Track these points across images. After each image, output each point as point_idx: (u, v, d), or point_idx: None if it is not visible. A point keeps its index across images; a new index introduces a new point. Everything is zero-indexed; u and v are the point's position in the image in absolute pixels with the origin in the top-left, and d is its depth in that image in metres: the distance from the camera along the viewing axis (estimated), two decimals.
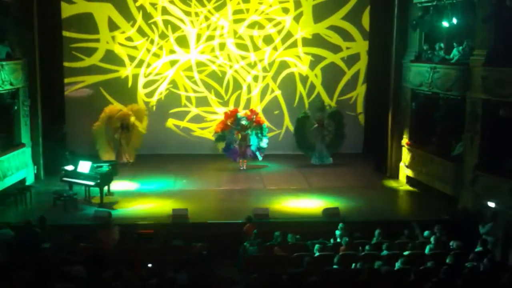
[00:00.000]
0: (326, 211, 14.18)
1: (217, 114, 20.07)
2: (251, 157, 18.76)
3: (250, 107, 19.87)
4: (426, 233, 12.43)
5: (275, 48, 20.26)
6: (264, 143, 18.82)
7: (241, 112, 18.89)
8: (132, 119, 18.61)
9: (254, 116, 18.69)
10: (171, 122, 20.10)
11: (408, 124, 17.55)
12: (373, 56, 19.55)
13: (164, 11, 19.69)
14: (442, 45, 16.21)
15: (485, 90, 13.83)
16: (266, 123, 19.11)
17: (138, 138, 18.90)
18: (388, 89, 18.13)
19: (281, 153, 19.92)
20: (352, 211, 14.61)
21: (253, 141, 18.70)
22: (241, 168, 18.58)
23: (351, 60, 20.52)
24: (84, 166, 14.98)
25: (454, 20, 15.15)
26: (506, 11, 13.52)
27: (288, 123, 20.45)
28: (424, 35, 17.09)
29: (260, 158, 18.81)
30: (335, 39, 20.31)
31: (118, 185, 16.08)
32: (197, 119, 20.37)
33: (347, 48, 20.41)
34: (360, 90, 20.69)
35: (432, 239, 12.04)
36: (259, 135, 18.77)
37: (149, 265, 10.02)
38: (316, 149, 19.18)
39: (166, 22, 19.75)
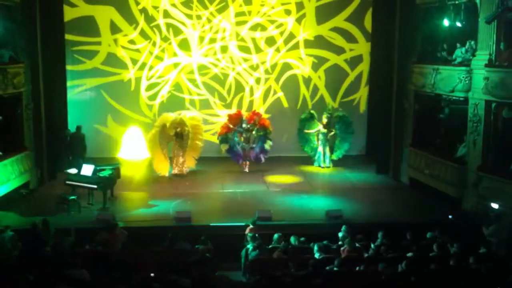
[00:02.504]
0: (330, 213, 14.16)
1: (220, 116, 20.06)
2: (254, 160, 18.74)
3: (253, 109, 19.85)
4: (428, 234, 12.42)
5: (277, 50, 20.28)
6: (268, 145, 18.78)
7: (244, 115, 18.84)
8: (189, 125, 17.78)
9: (257, 118, 18.61)
10: None
11: (411, 125, 17.54)
12: (376, 58, 19.51)
13: (166, 14, 19.71)
14: (445, 46, 16.20)
15: (487, 92, 13.83)
16: (270, 128, 18.96)
17: (195, 147, 18.08)
18: (391, 91, 18.10)
19: (284, 155, 19.93)
20: (356, 213, 14.59)
21: (257, 143, 18.68)
22: (244, 170, 18.57)
23: (354, 61, 20.51)
24: (87, 170, 15.00)
25: (458, 24, 15.15)
26: (508, 12, 13.51)
27: (291, 125, 20.41)
28: (426, 36, 17.07)
29: (262, 160, 18.79)
30: (338, 40, 20.30)
31: (121, 187, 16.05)
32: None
33: (350, 49, 20.40)
34: (363, 92, 20.67)
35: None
36: (263, 137, 18.71)
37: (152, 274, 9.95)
38: (318, 151, 19.16)
39: (168, 25, 19.77)
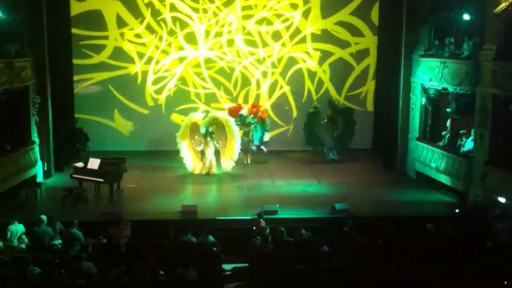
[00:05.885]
0: (335, 207, 14.15)
1: (226, 110, 20.01)
2: (255, 152, 18.73)
3: (259, 103, 19.85)
4: (434, 227, 12.40)
5: (283, 44, 20.22)
6: (266, 137, 18.79)
7: (244, 109, 18.79)
8: (222, 122, 17.47)
9: (259, 114, 18.61)
10: (179, 118, 19.89)
11: (417, 119, 17.46)
12: (382, 51, 19.43)
13: (173, 7, 19.70)
14: (452, 39, 16.09)
15: (495, 85, 13.75)
16: (269, 114, 18.91)
17: (232, 148, 17.57)
18: (397, 84, 18.01)
19: (290, 148, 19.93)
20: (362, 207, 14.56)
21: (256, 135, 18.71)
22: (245, 163, 18.55)
23: (360, 55, 20.43)
24: (94, 163, 15.04)
25: (466, 16, 15.05)
26: None
27: (296, 118, 20.39)
28: (433, 30, 16.98)
29: (265, 151, 18.78)
30: (344, 34, 20.23)
31: (127, 181, 16.08)
32: None
33: (356, 43, 20.33)
34: (370, 86, 20.60)
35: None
36: (262, 129, 18.73)
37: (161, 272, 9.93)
38: (326, 144, 19.13)
39: (174, 19, 19.76)
